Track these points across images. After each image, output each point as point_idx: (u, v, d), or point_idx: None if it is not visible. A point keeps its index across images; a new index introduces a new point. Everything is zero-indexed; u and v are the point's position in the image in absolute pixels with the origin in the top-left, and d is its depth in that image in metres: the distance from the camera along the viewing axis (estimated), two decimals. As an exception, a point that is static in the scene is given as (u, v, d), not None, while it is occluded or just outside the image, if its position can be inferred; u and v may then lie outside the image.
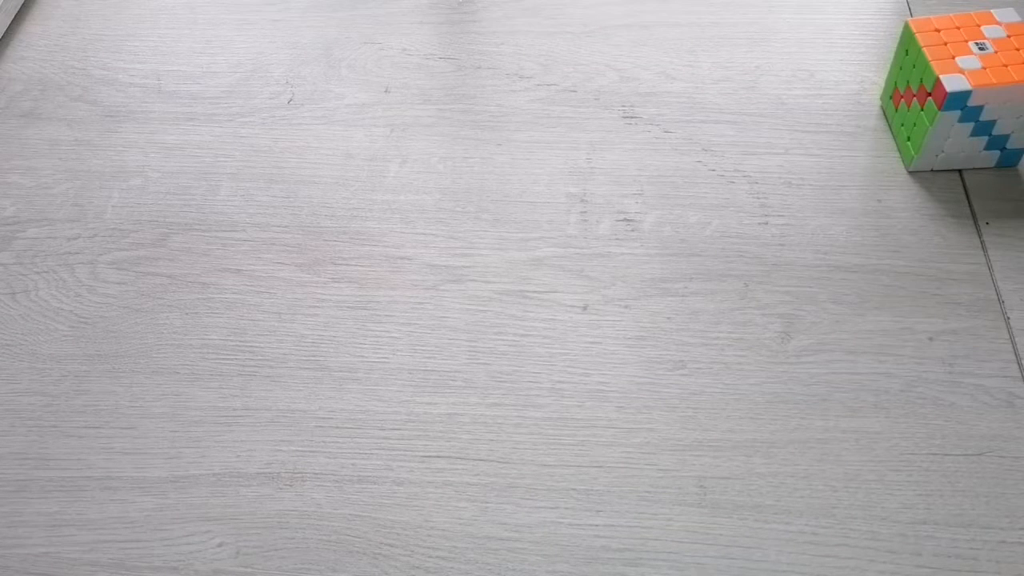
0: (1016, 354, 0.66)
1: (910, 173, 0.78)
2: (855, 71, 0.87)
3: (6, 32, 0.98)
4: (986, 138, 0.74)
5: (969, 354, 0.66)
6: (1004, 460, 0.61)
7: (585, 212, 0.77)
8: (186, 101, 0.90)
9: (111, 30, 0.98)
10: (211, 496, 0.63)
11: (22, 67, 0.95)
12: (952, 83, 0.70)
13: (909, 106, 0.77)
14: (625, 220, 0.76)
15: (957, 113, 0.72)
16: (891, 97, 0.81)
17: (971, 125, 0.73)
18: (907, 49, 0.77)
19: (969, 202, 0.75)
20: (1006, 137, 0.74)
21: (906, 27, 0.77)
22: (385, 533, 0.61)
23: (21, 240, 0.79)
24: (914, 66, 0.75)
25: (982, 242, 0.73)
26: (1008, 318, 0.68)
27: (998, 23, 0.75)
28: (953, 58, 0.72)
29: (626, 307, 0.71)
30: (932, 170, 0.78)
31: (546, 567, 0.59)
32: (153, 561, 0.60)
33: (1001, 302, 0.69)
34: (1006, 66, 0.71)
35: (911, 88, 0.76)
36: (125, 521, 0.62)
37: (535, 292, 0.72)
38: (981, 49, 0.73)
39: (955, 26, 0.75)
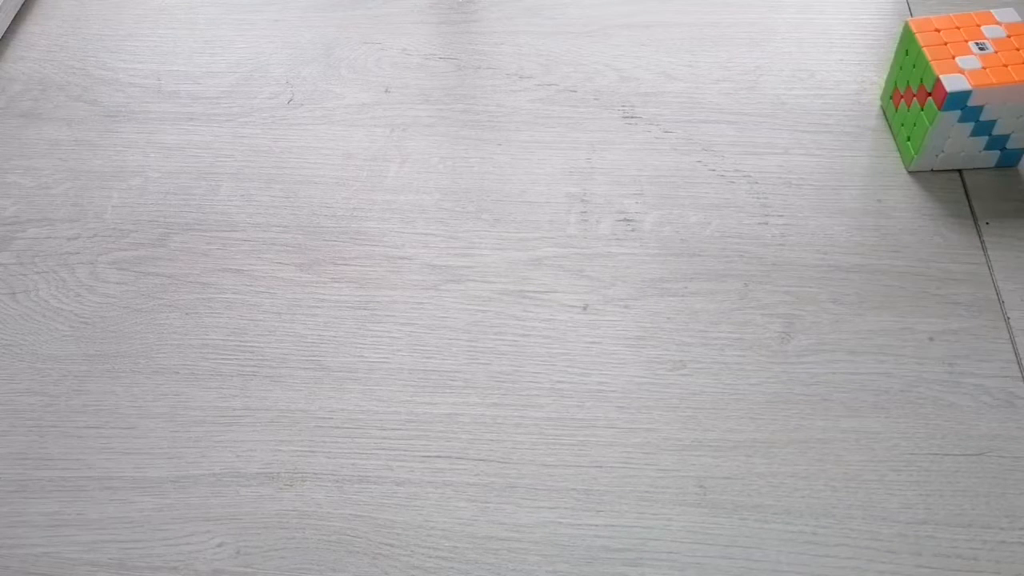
0: (1016, 354, 0.66)
1: (910, 173, 0.78)
2: (855, 71, 0.87)
3: (6, 32, 0.98)
4: (986, 138, 0.74)
5: (969, 354, 0.66)
6: (1004, 460, 0.61)
7: (585, 212, 0.77)
8: (186, 101, 0.90)
9: (111, 30, 0.98)
10: (211, 496, 0.63)
11: (22, 67, 0.95)
12: (952, 83, 0.70)
13: (909, 106, 0.77)
14: (625, 220, 0.76)
15: (957, 113, 0.72)
16: (891, 97, 0.81)
17: (971, 125, 0.73)
18: (907, 49, 0.77)
19: (969, 202, 0.75)
20: (1006, 137, 0.74)
21: (906, 27, 0.77)
22: (385, 533, 0.61)
23: (21, 240, 0.79)
24: (914, 66, 0.75)
25: (982, 242, 0.73)
26: (1008, 318, 0.68)
27: (998, 23, 0.75)
28: (953, 58, 0.72)
29: (626, 307, 0.71)
30: (932, 170, 0.78)
31: (546, 567, 0.59)
32: (153, 561, 0.60)
33: (1001, 302, 0.69)
34: (1006, 66, 0.71)
35: (911, 88, 0.76)
36: (125, 521, 0.62)
37: (535, 292, 0.72)
38: (981, 49, 0.73)
39: (955, 26, 0.75)
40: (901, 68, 0.78)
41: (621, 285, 0.72)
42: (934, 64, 0.72)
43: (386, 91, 0.89)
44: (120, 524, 0.62)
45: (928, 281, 0.71)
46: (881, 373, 0.66)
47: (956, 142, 0.74)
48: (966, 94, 0.70)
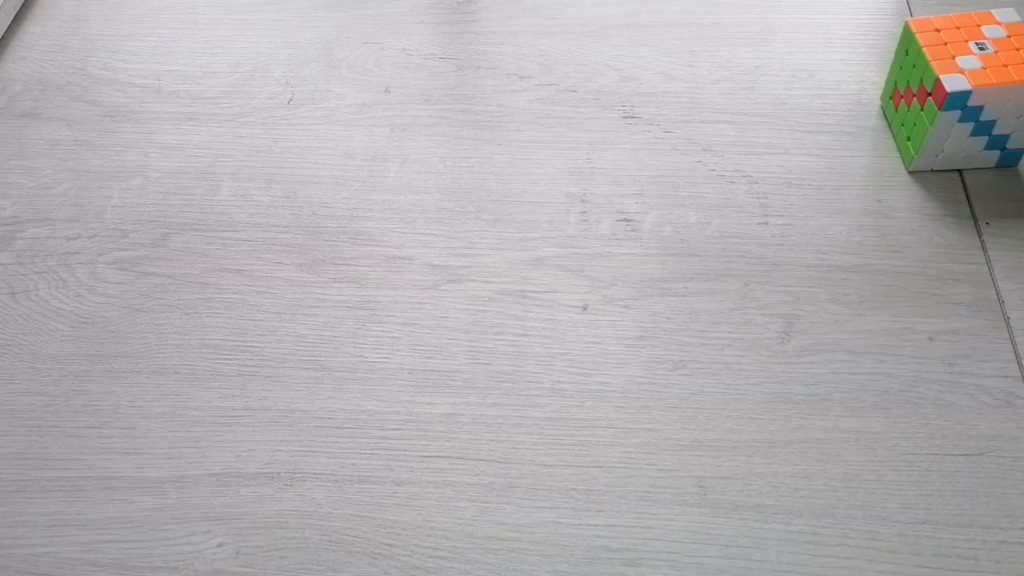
0: (1016, 354, 0.66)
1: (910, 173, 0.78)
2: (855, 71, 0.87)
3: (6, 32, 0.98)
4: (986, 138, 0.74)
5: (969, 354, 0.66)
6: (1004, 460, 0.61)
7: (585, 212, 0.77)
8: (186, 101, 0.90)
9: (111, 30, 0.98)
10: (211, 496, 0.63)
11: (22, 67, 0.95)
12: (952, 83, 0.70)
13: (909, 106, 0.77)
14: (625, 220, 0.76)
15: (957, 113, 0.72)
16: (891, 97, 0.81)
17: (971, 125, 0.73)
18: (907, 49, 0.77)
19: (969, 202, 0.75)
20: (1006, 137, 0.74)
21: (906, 27, 0.77)
22: (385, 533, 0.61)
23: (21, 240, 0.79)
24: (914, 66, 0.75)
25: (982, 242, 0.73)
26: (1008, 318, 0.68)
27: (998, 23, 0.75)
28: (953, 58, 0.72)
29: (626, 307, 0.71)
30: (932, 170, 0.78)
31: (546, 567, 0.59)
32: (153, 561, 0.60)
33: (1001, 302, 0.69)
34: (1006, 66, 0.71)
35: (911, 88, 0.76)
36: (125, 521, 0.62)
37: (535, 292, 0.72)
38: (981, 49, 0.73)
39: (955, 26, 0.75)
40: (901, 68, 0.78)
41: (621, 285, 0.72)
42: (934, 64, 0.72)
43: (386, 91, 0.89)
44: (120, 524, 0.62)
45: (928, 281, 0.71)
46: (881, 373, 0.66)
47: (956, 142, 0.74)
48: (966, 94, 0.70)
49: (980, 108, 0.71)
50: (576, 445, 0.64)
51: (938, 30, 0.75)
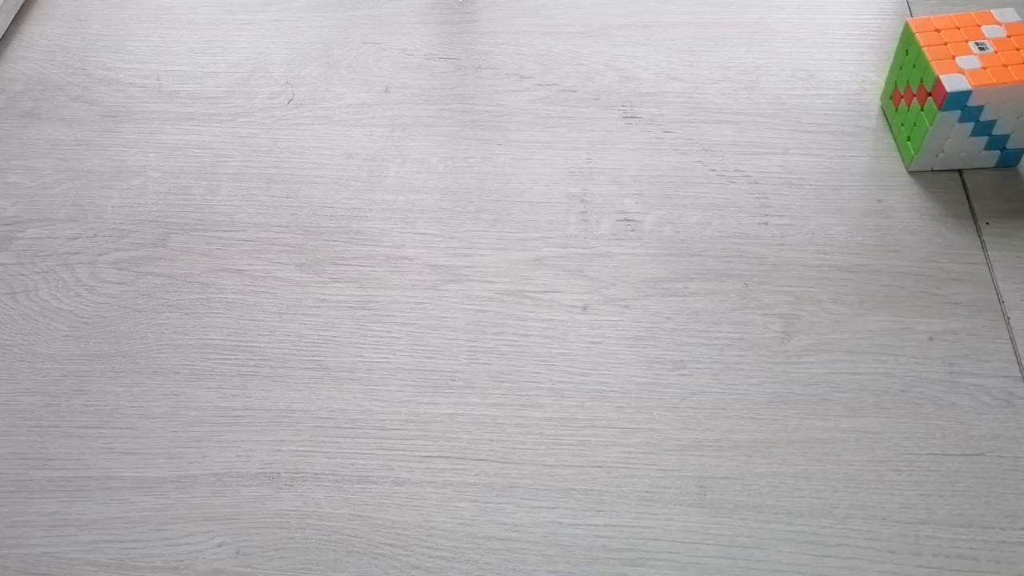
0: (1016, 354, 0.66)
1: (910, 173, 0.78)
2: (855, 71, 0.87)
3: (6, 32, 0.98)
4: (986, 138, 0.74)
5: (969, 354, 0.66)
6: (1004, 460, 0.61)
7: (585, 212, 0.77)
8: (186, 101, 0.90)
9: (111, 30, 0.98)
10: (211, 496, 0.63)
11: (22, 67, 0.95)
12: (952, 83, 0.70)
13: (909, 106, 0.77)
14: (625, 220, 0.76)
15: (957, 113, 0.72)
16: (891, 97, 0.81)
17: (971, 125, 0.73)
18: (907, 49, 0.77)
19: (969, 202, 0.75)
20: (1006, 137, 0.74)
21: (906, 27, 0.77)
22: (385, 533, 0.61)
23: (21, 240, 0.79)
24: (914, 66, 0.75)
25: (982, 242, 0.73)
26: (1008, 318, 0.68)
27: (998, 23, 0.75)
28: (953, 58, 0.72)
29: (626, 307, 0.71)
30: (932, 170, 0.78)
31: (546, 567, 0.59)
32: (153, 561, 0.60)
33: (1001, 302, 0.69)
34: (1006, 66, 0.71)
35: (911, 88, 0.76)
36: (125, 521, 0.62)
37: (535, 292, 0.72)
38: (981, 49, 0.73)
39: (955, 26, 0.75)
40: (901, 68, 0.78)
41: (621, 285, 0.72)
42: (934, 64, 0.72)
43: (386, 91, 0.89)
44: (120, 524, 0.62)
45: (928, 281, 0.71)
46: (881, 373, 0.66)
47: (956, 142, 0.74)
48: (966, 94, 0.70)
49: (980, 108, 0.71)
50: (576, 445, 0.64)
51: (938, 30, 0.75)
